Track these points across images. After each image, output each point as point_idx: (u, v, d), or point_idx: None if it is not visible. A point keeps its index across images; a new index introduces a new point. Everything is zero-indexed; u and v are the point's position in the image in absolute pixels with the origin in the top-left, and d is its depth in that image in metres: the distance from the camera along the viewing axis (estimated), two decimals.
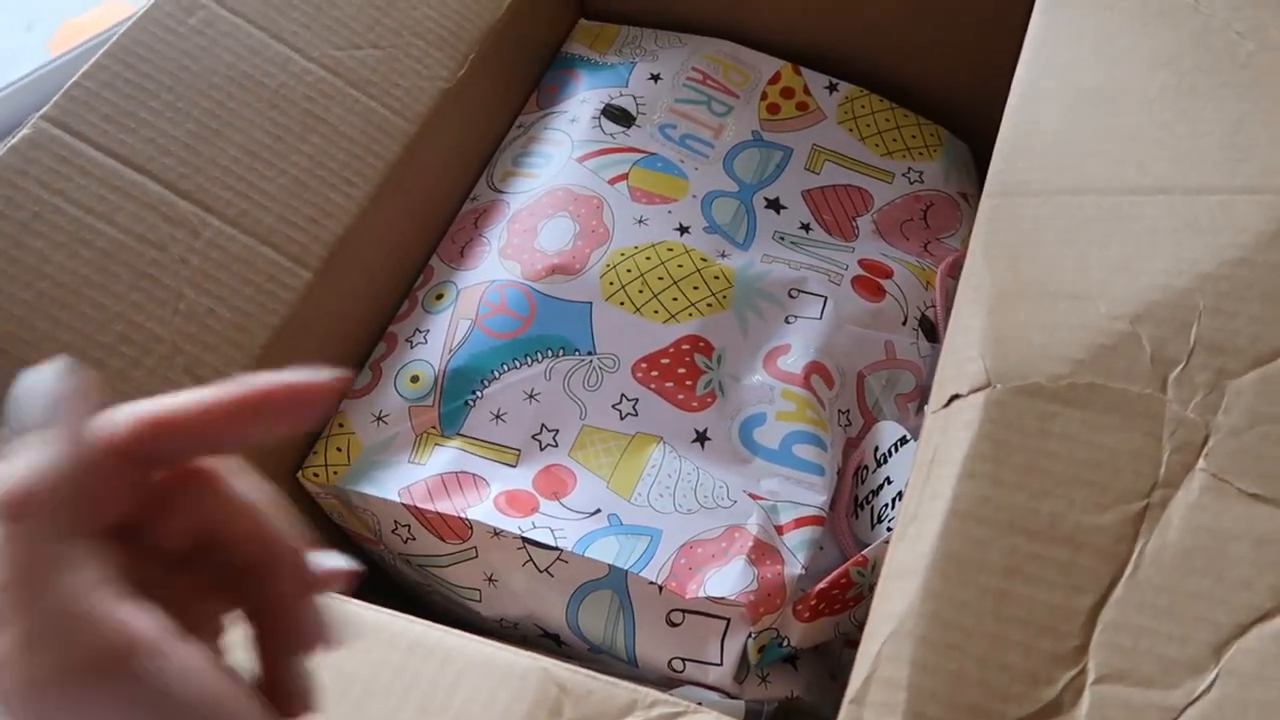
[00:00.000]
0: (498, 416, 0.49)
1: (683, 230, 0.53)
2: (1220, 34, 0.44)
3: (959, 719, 0.30)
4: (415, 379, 0.50)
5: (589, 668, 0.47)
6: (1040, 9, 0.48)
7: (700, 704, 0.44)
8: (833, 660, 0.50)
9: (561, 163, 0.56)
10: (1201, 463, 0.33)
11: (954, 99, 0.62)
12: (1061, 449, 0.34)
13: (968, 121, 0.62)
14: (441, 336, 0.51)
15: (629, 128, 0.58)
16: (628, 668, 0.46)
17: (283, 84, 0.50)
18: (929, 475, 0.35)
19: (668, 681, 0.45)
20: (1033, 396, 0.35)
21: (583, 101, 0.59)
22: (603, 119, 0.58)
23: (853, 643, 0.51)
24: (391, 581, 0.54)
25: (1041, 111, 0.44)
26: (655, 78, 0.61)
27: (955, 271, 0.57)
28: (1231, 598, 0.31)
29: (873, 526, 0.48)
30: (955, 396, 0.36)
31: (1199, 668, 0.30)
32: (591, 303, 0.51)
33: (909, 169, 0.60)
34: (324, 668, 0.36)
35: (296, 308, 0.46)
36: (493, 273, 0.52)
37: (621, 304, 0.51)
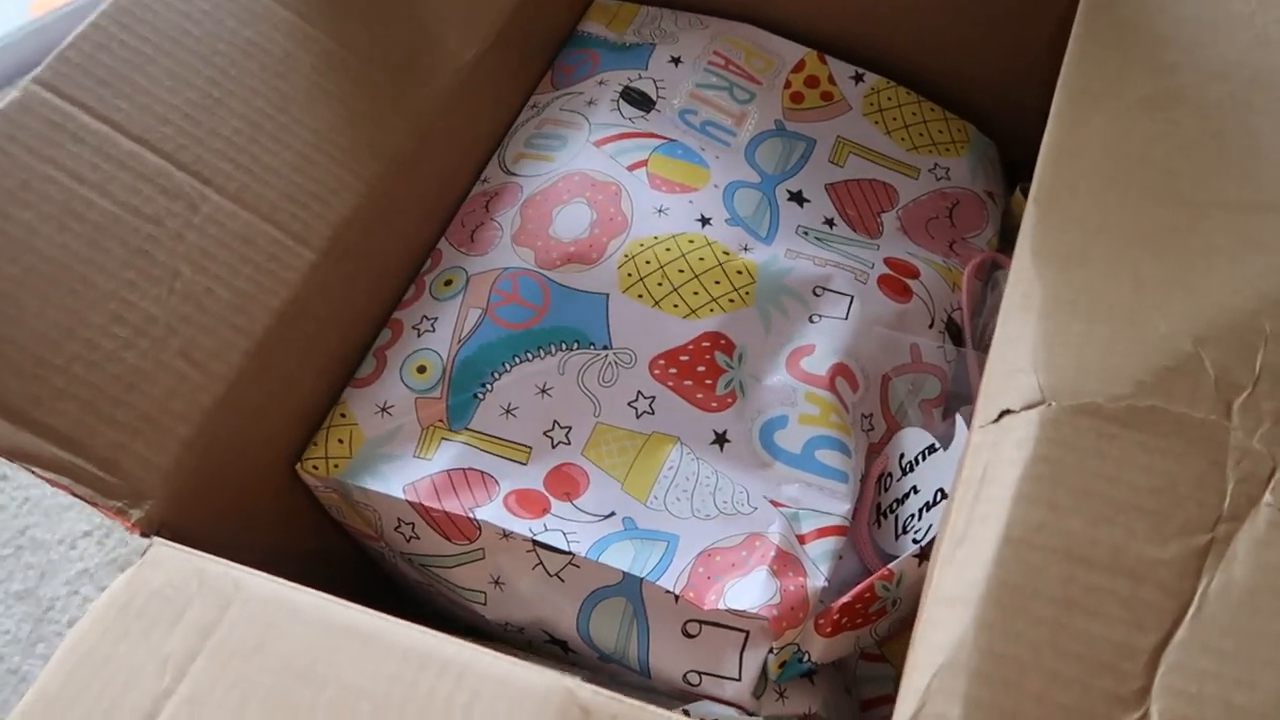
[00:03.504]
0: (508, 411, 0.47)
1: (704, 221, 0.51)
2: (1277, 46, 0.42)
3: None
4: (422, 369, 0.48)
5: (598, 677, 0.45)
6: (1085, 9, 0.46)
7: None
8: (849, 674, 0.48)
9: (578, 146, 0.53)
10: (1268, 497, 0.31)
11: (981, 94, 0.60)
12: (1121, 474, 0.32)
13: (994, 118, 0.61)
14: (450, 325, 0.48)
15: (648, 112, 0.56)
16: (640, 678, 0.45)
17: (289, 53, 0.47)
18: (979, 495, 0.33)
19: (682, 695, 0.44)
20: (1091, 416, 0.33)
21: (601, 83, 0.57)
22: (622, 102, 0.56)
23: (869, 656, 0.49)
24: (391, 579, 0.52)
25: (1090, 115, 0.42)
26: (676, 61, 0.58)
27: (982, 273, 0.55)
28: None
29: (896, 537, 0.47)
30: (1006, 412, 0.35)
31: (1267, 715, 0.28)
32: (608, 294, 0.49)
33: (935, 165, 0.58)
34: (331, 682, 0.34)
35: (299, 290, 0.44)
36: (505, 259, 0.50)
37: (640, 296, 0.49)
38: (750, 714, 0.43)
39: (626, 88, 0.56)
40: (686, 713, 0.43)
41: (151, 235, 0.41)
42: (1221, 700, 0.29)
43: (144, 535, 0.37)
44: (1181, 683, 0.29)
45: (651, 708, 0.32)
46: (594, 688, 0.32)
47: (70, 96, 0.42)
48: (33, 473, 0.37)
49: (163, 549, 0.36)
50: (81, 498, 0.37)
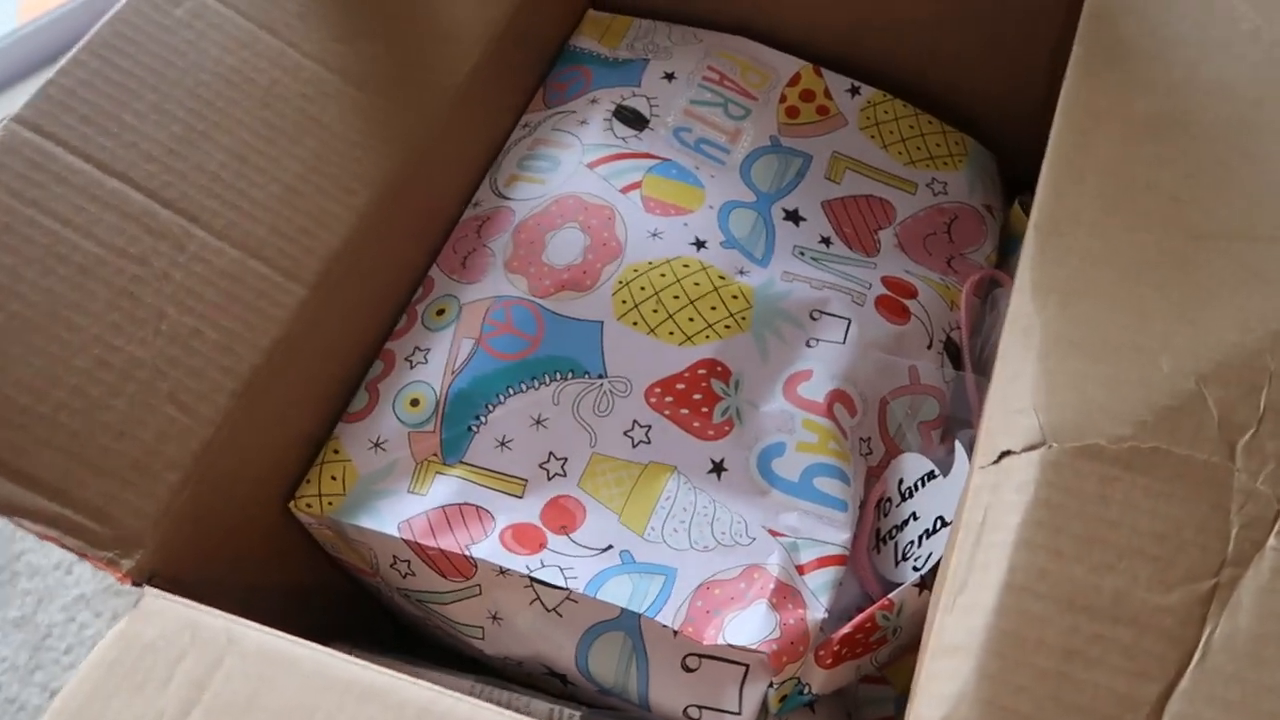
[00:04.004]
0: (503, 444, 0.46)
1: (699, 245, 0.50)
2: None
3: None
4: (415, 402, 0.47)
5: (599, 711, 0.45)
6: (1086, 24, 0.45)
7: None
8: (849, 698, 0.48)
9: (571, 168, 0.53)
10: (1273, 540, 0.31)
11: (980, 105, 0.60)
12: (1124, 518, 0.32)
13: (993, 129, 0.60)
14: (443, 356, 0.48)
15: (641, 131, 0.55)
16: (640, 712, 0.44)
17: (275, 80, 0.46)
18: (979, 540, 0.33)
19: None
20: (1093, 459, 0.33)
21: (593, 101, 0.56)
22: (615, 121, 0.55)
23: (870, 678, 0.49)
24: (389, 612, 0.51)
25: (1091, 138, 0.41)
26: (669, 77, 0.57)
27: (980, 291, 0.54)
28: None
29: (896, 564, 0.46)
30: (1007, 453, 0.34)
31: None
32: (603, 322, 0.48)
33: (933, 179, 0.57)
34: None
35: (289, 327, 0.43)
36: (498, 287, 0.49)
37: (635, 324, 0.48)
38: None
39: (619, 106, 0.56)
40: None
41: (137, 276, 0.41)
42: None
43: (135, 584, 0.37)
44: None
45: None
46: None
47: (52, 135, 0.41)
48: (21, 526, 0.36)
49: (155, 600, 0.36)
50: (71, 549, 0.37)
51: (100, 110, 0.42)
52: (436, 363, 0.48)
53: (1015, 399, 0.35)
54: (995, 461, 0.34)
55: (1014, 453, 0.34)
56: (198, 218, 0.43)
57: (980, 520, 0.33)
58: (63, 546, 0.37)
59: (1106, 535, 0.32)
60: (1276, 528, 0.31)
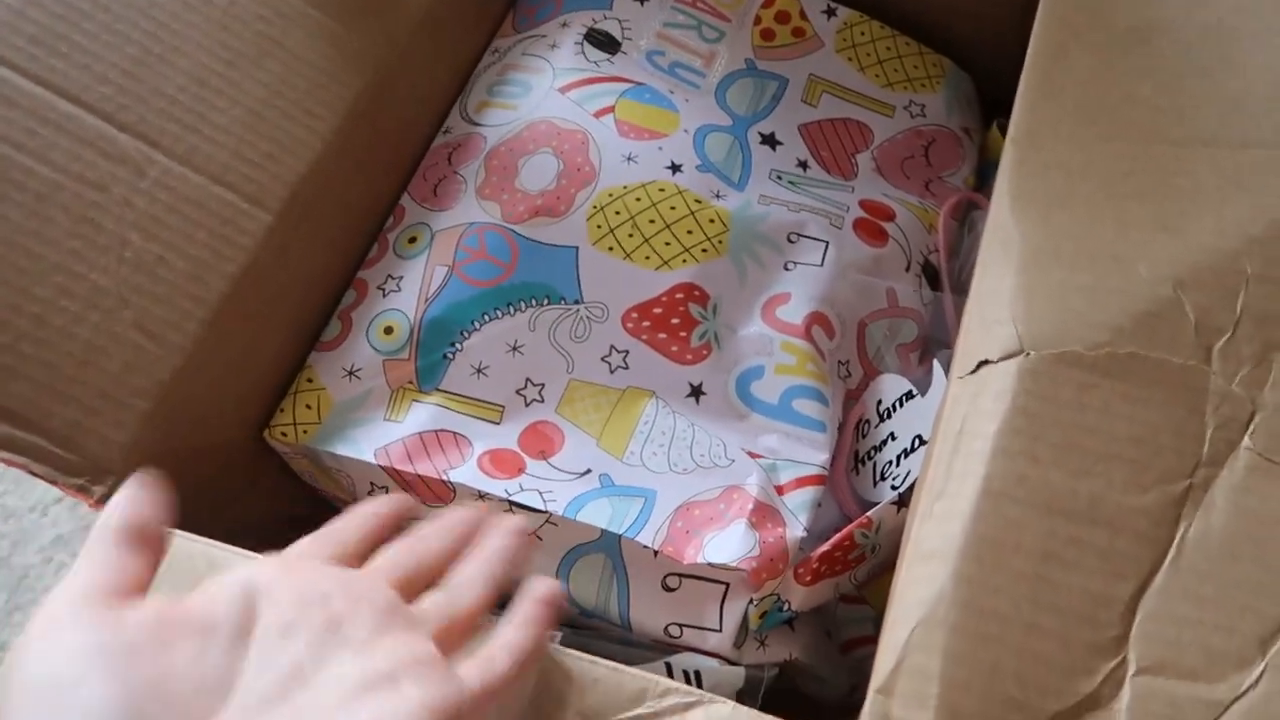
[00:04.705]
0: (479, 370, 0.46)
1: (675, 169, 0.50)
2: None
3: (994, 713, 0.29)
4: (389, 330, 0.46)
5: (581, 632, 0.45)
6: None
7: (700, 672, 0.43)
8: (829, 617, 0.48)
9: (542, 93, 0.52)
10: (1247, 440, 0.31)
11: (958, 25, 0.59)
12: (1100, 424, 0.32)
13: (971, 50, 0.59)
14: (416, 284, 0.47)
15: (614, 54, 0.54)
16: (622, 632, 0.44)
17: (233, 1, 0.45)
18: (957, 449, 0.33)
19: (664, 647, 0.44)
20: (1070, 366, 0.33)
21: (563, 25, 0.55)
22: (586, 45, 0.54)
23: (848, 598, 0.49)
24: None
25: (1069, 50, 0.40)
26: None
27: (958, 213, 0.54)
28: (1278, 587, 0.29)
29: (875, 484, 0.47)
30: (985, 362, 0.34)
31: (1245, 661, 0.28)
32: (578, 247, 0.48)
33: (910, 102, 0.56)
34: None
35: (256, 254, 0.42)
36: (470, 214, 0.48)
37: (610, 249, 0.48)
38: (732, 663, 0.43)
39: (590, 29, 0.54)
40: (669, 665, 0.43)
41: (97, 202, 0.40)
42: (1200, 645, 0.29)
43: None
44: (1159, 629, 0.29)
45: (630, 669, 0.32)
46: (576, 653, 0.32)
47: (1, 58, 0.40)
48: None
49: None
50: (40, 476, 0.36)
51: (50, 32, 0.41)
52: (410, 290, 0.47)
53: (993, 310, 0.35)
54: (973, 371, 0.34)
55: (991, 362, 0.34)
56: (158, 142, 0.41)
57: (958, 429, 0.33)
58: (31, 473, 0.36)
59: (1083, 441, 0.32)
60: (1251, 428, 0.31)
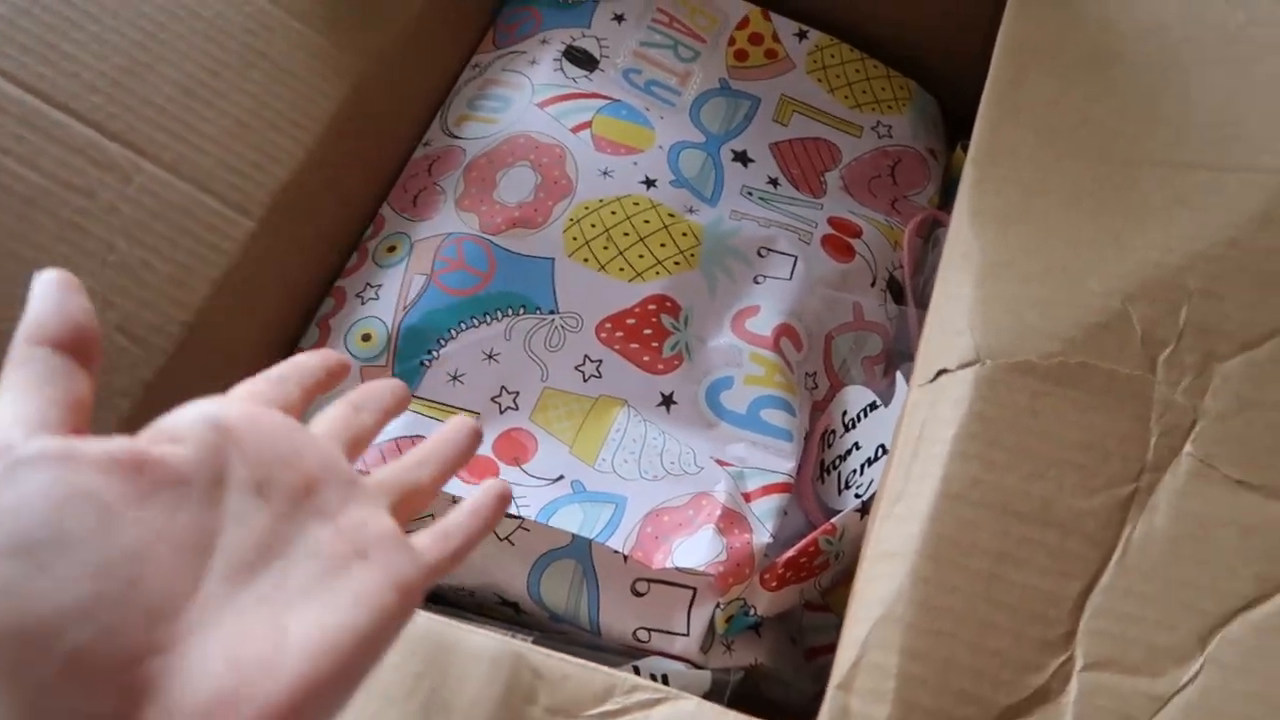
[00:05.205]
0: (455, 378, 0.47)
1: (649, 183, 0.51)
2: (1210, 4, 0.43)
3: (948, 706, 0.30)
4: (367, 337, 0.47)
5: (549, 638, 0.46)
6: None
7: (667, 675, 0.44)
8: (794, 624, 0.50)
9: (521, 107, 0.53)
10: (1189, 447, 0.33)
11: (925, 50, 0.61)
12: (1052, 430, 0.33)
13: (937, 74, 0.61)
14: (394, 292, 0.48)
15: (592, 72, 0.55)
16: (590, 637, 0.45)
17: (219, 13, 0.46)
18: (916, 453, 0.34)
19: (632, 651, 0.45)
20: (1024, 374, 0.34)
21: (543, 42, 0.56)
22: (565, 61, 0.55)
23: (813, 605, 0.51)
24: None
25: (1028, 74, 0.42)
26: (619, 18, 0.58)
27: (923, 231, 0.56)
28: (1217, 585, 0.31)
29: (840, 492, 0.48)
30: (943, 371, 0.35)
31: (1185, 656, 0.30)
32: (554, 259, 0.49)
33: (878, 123, 0.58)
34: None
35: (238, 260, 0.43)
36: (449, 225, 0.49)
37: (585, 260, 0.49)
38: (698, 667, 0.44)
39: (569, 47, 0.56)
40: (636, 669, 0.44)
41: (83, 208, 0.40)
42: (1143, 642, 0.30)
43: None
44: (1105, 626, 0.30)
45: (601, 667, 0.33)
46: (545, 650, 0.33)
47: None
48: None
49: None
50: None
51: (41, 41, 0.42)
52: (388, 299, 0.48)
53: (952, 321, 0.36)
54: (932, 380, 0.36)
55: (950, 371, 0.35)
56: (145, 150, 0.42)
57: (918, 434, 0.35)
58: None
59: (1036, 446, 0.33)
60: (1192, 435, 0.33)
